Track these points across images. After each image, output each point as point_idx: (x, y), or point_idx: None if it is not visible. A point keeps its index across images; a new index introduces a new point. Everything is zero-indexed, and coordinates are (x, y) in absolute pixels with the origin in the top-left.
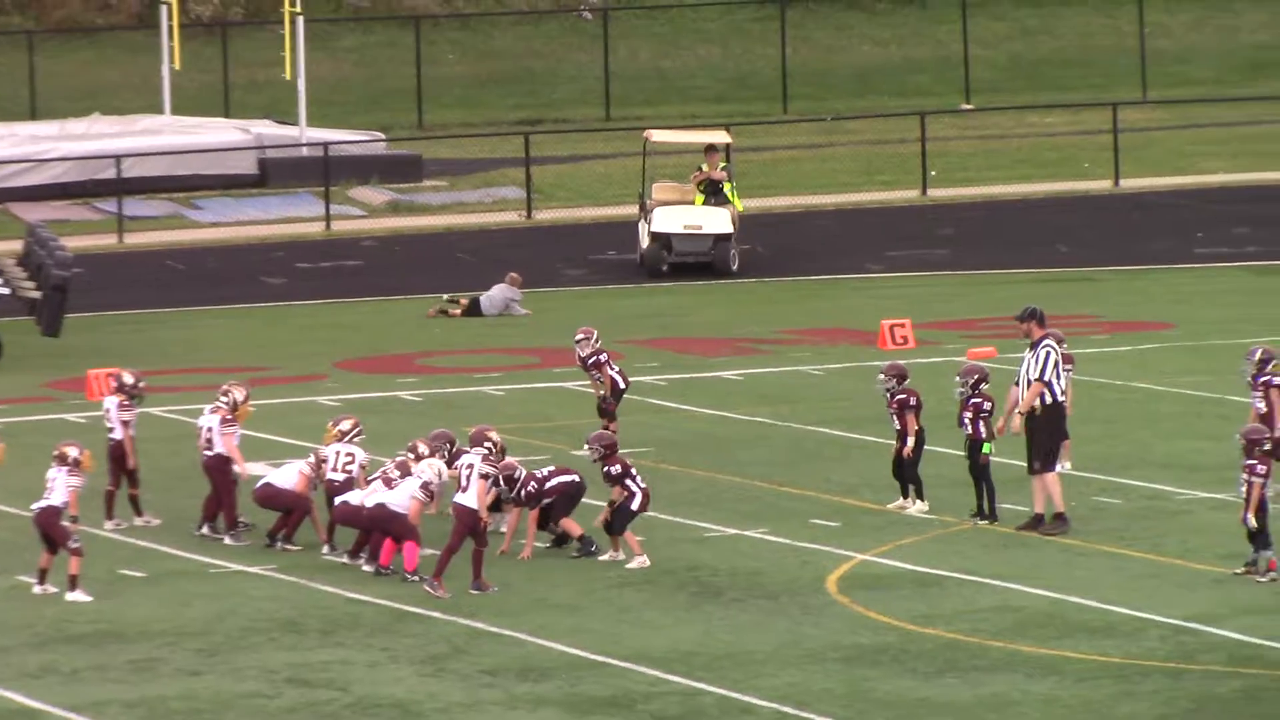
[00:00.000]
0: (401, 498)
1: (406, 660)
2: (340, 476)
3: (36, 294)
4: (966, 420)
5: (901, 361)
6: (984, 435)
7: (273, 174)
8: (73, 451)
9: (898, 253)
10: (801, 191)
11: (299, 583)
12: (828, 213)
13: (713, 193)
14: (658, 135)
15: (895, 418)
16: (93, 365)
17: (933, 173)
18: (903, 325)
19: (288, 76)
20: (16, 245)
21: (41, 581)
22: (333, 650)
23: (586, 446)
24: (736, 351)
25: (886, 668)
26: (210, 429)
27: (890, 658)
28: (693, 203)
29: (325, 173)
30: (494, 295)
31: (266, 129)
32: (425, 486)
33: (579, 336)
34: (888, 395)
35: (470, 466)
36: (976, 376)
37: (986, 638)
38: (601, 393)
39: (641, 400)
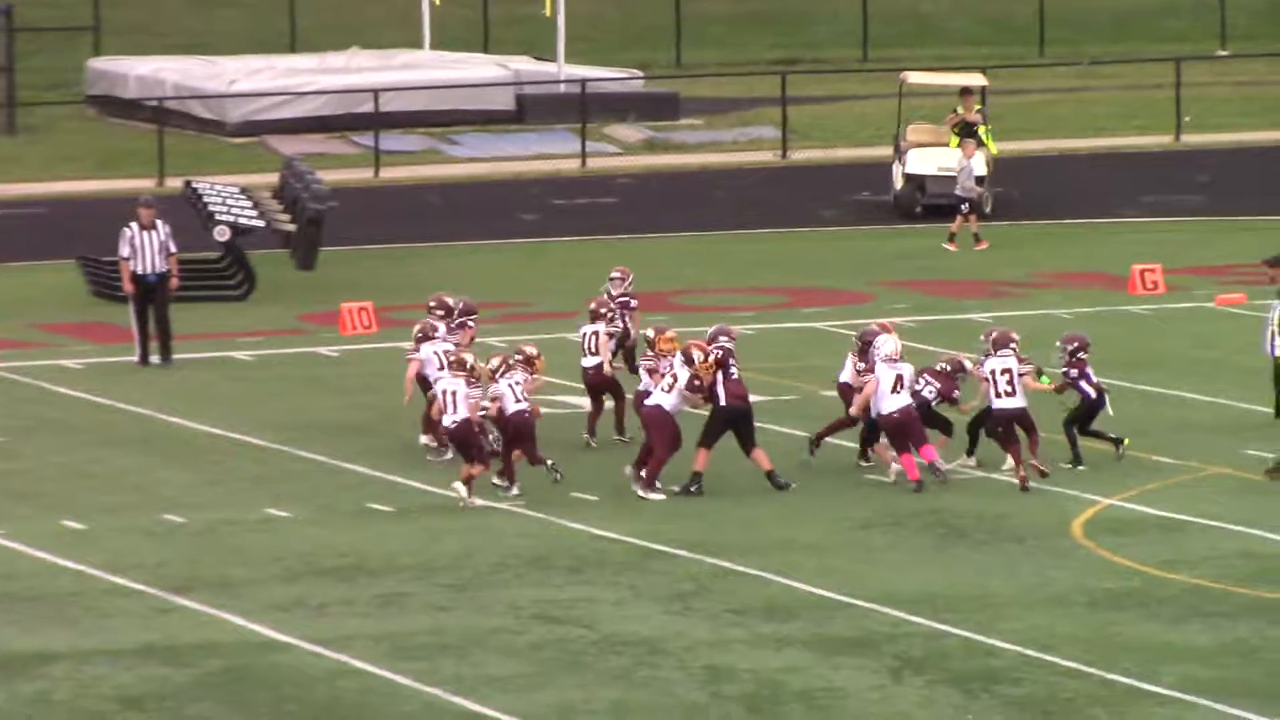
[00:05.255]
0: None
1: (652, 598)
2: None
3: (292, 227)
4: None
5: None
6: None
7: (530, 110)
8: (469, 358)
9: (1151, 198)
10: (1056, 135)
11: (548, 519)
12: (1082, 157)
13: (967, 135)
14: (914, 77)
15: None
16: (346, 299)
17: (1187, 118)
18: (1153, 270)
19: (547, 13)
20: (273, 178)
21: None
22: (580, 587)
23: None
24: (988, 295)
25: (1130, 612)
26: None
27: (1134, 602)
28: (947, 145)
29: (582, 110)
30: (963, 176)
31: (525, 65)
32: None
33: (614, 274)
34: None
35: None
36: None
37: (1230, 584)
38: (615, 335)
39: None
